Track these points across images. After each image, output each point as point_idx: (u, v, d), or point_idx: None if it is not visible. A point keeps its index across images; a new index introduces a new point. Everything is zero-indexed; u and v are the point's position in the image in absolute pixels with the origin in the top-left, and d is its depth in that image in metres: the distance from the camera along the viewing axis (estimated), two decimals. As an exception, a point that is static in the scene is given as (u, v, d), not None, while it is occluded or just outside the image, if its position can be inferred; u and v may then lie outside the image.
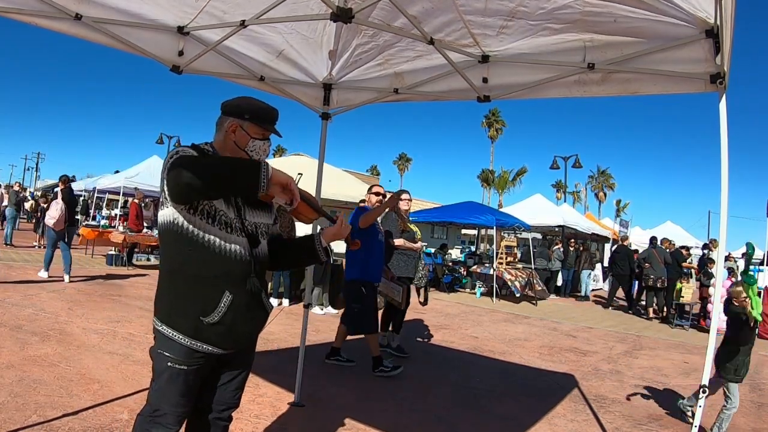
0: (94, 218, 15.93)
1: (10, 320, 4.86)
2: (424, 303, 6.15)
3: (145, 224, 11.11)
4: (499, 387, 4.56)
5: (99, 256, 11.16)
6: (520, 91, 2.97)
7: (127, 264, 10.34)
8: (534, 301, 11.15)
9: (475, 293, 11.69)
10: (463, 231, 30.08)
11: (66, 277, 7.50)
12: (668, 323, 9.55)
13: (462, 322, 7.97)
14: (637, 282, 11.27)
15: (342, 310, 4.92)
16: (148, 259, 11.20)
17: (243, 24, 2.74)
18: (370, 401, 3.82)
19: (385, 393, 4.05)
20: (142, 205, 11.31)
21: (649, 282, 10.09)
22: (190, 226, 1.61)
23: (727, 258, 12.35)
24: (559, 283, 13.50)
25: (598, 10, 2.31)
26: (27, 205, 17.53)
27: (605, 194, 48.99)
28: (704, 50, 2.29)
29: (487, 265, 12.18)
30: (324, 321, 6.79)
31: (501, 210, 16.40)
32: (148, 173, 15.76)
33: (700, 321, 9.50)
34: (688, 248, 11.51)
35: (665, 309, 10.12)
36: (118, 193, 17.60)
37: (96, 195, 19.28)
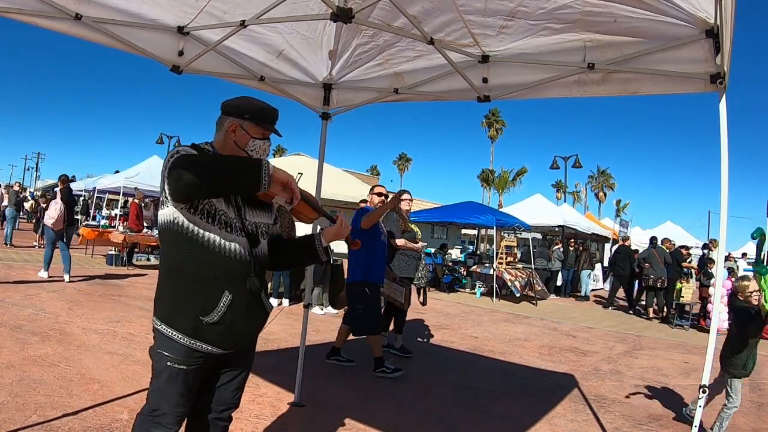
0: (94, 218, 15.94)
1: (10, 320, 4.86)
2: (424, 303, 6.16)
3: (145, 224, 11.11)
4: (499, 387, 4.56)
5: (99, 256, 11.16)
6: (520, 91, 2.97)
7: (127, 264, 10.34)
8: (534, 301, 11.15)
9: (475, 293, 11.69)
10: (463, 231, 30.08)
11: (66, 277, 7.51)
12: (668, 323, 9.55)
13: (462, 322, 7.96)
14: (637, 282, 11.28)
15: (342, 310, 4.92)
16: (148, 259, 11.19)
17: (243, 24, 2.75)
18: (370, 401, 3.82)
19: (385, 393, 4.05)
20: (142, 205, 11.31)
21: (649, 282, 10.08)
22: (191, 225, 1.60)
23: (727, 258, 12.37)
24: (559, 283, 13.50)
25: (598, 10, 2.31)
26: (27, 205, 17.55)
27: (605, 194, 49.02)
28: (704, 50, 2.29)
29: (487, 265, 12.18)
30: (324, 321, 6.79)
31: (501, 210, 16.40)
32: (148, 173, 15.78)
33: (700, 321, 9.50)
34: (687, 248, 11.50)
35: (665, 309, 10.12)
36: (118, 193, 17.61)
37: (96, 195, 19.31)
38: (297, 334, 5.04)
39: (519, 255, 12.98)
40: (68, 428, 2.73)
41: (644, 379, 5.28)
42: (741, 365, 3.61)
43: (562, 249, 13.30)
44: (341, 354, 4.71)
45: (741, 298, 3.66)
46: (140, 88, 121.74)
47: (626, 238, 12.42)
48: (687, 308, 9.99)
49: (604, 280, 15.89)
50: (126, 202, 16.43)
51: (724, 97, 2.23)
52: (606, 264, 16.69)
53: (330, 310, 7.53)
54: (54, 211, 7.46)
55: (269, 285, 7.38)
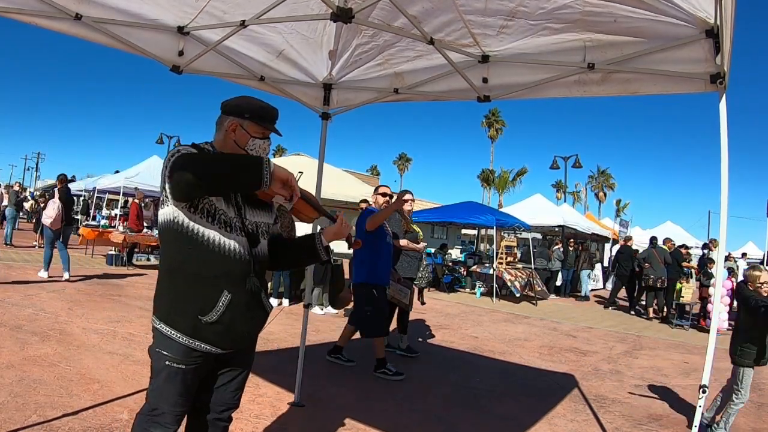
0: (94, 218, 15.93)
1: (10, 320, 4.86)
2: (423, 303, 6.16)
3: (145, 224, 11.11)
4: (499, 387, 4.56)
5: (99, 256, 11.16)
6: (520, 91, 2.97)
7: (127, 264, 10.34)
8: (534, 301, 11.15)
9: (475, 293, 11.69)
10: (463, 231, 30.08)
11: (66, 275, 7.51)
12: (668, 323, 9.55)
13: (462, 322, 7.96)
14: (636, 282, 11.27)
15: (342, 310, 4.92)
16: (148, 259, 11.20)
17: (243, 24, 2.75)
18: (370, 401, 3.82)
19: (385, 393, 4.05)
20: (142, 205, 11.31)
21: (649, 282, 10.08)
22: (191, 224, 1.60)
23: (727, 258, 12.36)
24: (559, 283, 13.50)
25: (598, 10, 2.31)
26: (27, 205, 17.55)
27: (605, 194, 49.00)
28: (704, 50, 2.29)
29: (487, 265, 12.17)
30: (324, 321, 6.79)
31: (501, 210, 16.39)
32: (148, 173, 15.76)
33: (700, 321, 9.50)
34: (687, 247, 11.49)
35: (665, 309, 10.12)
36: (118, 193, 17.59)
37: (96, 195, 19.27)
38: (297, 334, 5.04)
39: (519, 255, 12.98)
40: (68, 428, 2.73)
41: (644, 379, 5.28)
42: (753, 353, 3.51)
43: (562, 249, 13.30)
44: (343, 353, 4.71)
45: (751, 288, 3.60)
46: (140, 88, 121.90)
47: (628, 239, 12.41)
48: (687, 308, 9.98)
49: (605, 281, 15.89)
50: (126, 202, 16.42)
51: (724, 97, 2.23)
52: (606, 264, 16.72)
53: (330, 310, 7.52)
54: (52, 211, 7.47)
55: (269, 285, 7.38)
